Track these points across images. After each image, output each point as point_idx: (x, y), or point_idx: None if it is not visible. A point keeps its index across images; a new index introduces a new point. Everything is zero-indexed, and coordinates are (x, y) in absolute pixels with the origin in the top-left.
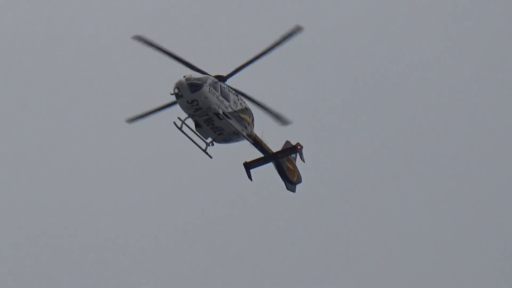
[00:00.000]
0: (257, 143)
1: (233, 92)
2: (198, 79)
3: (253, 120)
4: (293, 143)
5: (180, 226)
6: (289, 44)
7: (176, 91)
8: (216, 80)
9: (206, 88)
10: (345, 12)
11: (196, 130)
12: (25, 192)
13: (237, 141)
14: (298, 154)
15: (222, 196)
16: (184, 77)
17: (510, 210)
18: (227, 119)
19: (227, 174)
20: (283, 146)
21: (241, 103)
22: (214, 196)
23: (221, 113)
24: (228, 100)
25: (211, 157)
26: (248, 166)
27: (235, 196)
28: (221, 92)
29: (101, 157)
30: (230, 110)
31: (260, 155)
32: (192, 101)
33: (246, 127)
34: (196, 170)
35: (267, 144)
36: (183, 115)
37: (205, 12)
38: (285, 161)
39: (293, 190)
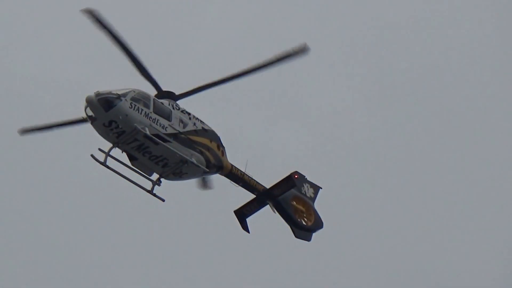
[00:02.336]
0: (237, 178)
1: (182, 110)
2: (112, 93)
3: (219, 146)
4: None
5: None
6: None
7: (88, 113)
8: (148, 94)
9: (124, 103)
10: None
11: (132, 165)
12: None
13: (196, 175)
14: (297, 187)
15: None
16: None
17: None
18: (163, 142)
19: (197, 224)
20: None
21: (195, 123)
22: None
23: (149, 133)
24: (168, 119)
25: (163, 200)
26: (241, 214)
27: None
28: (154, 108)
29: None
30: (171, 131)
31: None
32: (110, 123)
33: (203, 154)
34: (143, 220)
35: (254, 179)
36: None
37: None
38: (288, 200)
39: (307, 239)
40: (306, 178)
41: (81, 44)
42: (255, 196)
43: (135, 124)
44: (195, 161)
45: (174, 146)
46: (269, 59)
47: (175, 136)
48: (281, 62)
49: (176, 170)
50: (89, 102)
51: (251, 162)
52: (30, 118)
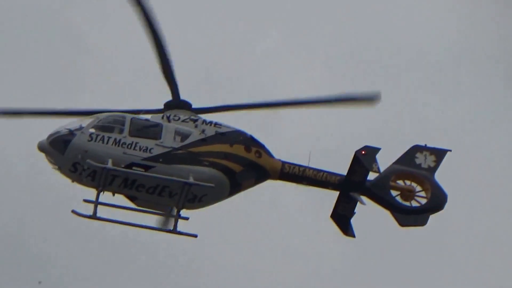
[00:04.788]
0: (296, 177)
1: (185, 119)
2: (64, 129)
3: (249, 147)
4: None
5: None
6: None
7: (50, 163)
8: (122, 115)
9: (80, 138)
10: None
11: (137, 206)
12: None
13: (223, 193)
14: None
15: None
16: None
17: None
18: (140, 171)
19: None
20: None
21: (204, 130)
22: None
23: (111, 166)
24: (155, 137)
25: (195, 236)
26: (341, 217)
27: None
28: (132, 131)
29: None
30: (160, 151)
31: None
32: (74, 166)
33: (216, 165)
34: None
35: (323, 169)
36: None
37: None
38: (387, 182)
39: (421, 223)
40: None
41: None
42: (338, 191)
43: (87, 160)
44: (192, 180)
45: (159, 171)
46: (327, 97)
47: (166, 155)
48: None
49: (189, 196)
50: (43, 150)
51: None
52: None
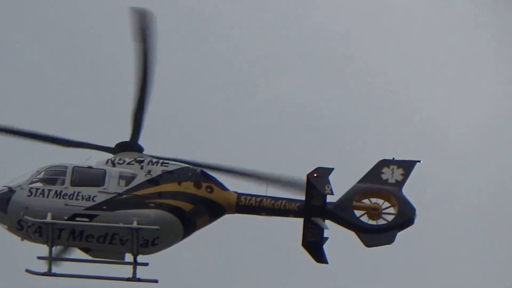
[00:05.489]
0: (253, 208)
1: (130, 161)
2: (3, 186)
3: (199, 182)
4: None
5: None
6: None
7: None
8: (63, 165)
9: (19, 194)
10: None
11: (93, 256)
12: None
13: (176, 235)
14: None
15: None
16: None
17: None
18: (83, 222)
19: None
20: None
21: (150, 171)
22: None
23: (50, 219)
24: (98, 184)
25: (155, 281)
26: (312, 244)
27: None
28: (73, 181)
29: None
30: (103, 198)
31: None
32: (19, 224)
33: (162, 205)
34: None
35: (281, 196)
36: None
37: None
38: (349, 203)
39: (387, 241)
40: (326, 174)
41: None
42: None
43: (26, 217)
44: (135, 225)
45: (103, 219)
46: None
47: (110, 202)
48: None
49: (140, 241)
50: None
51: None
52: None
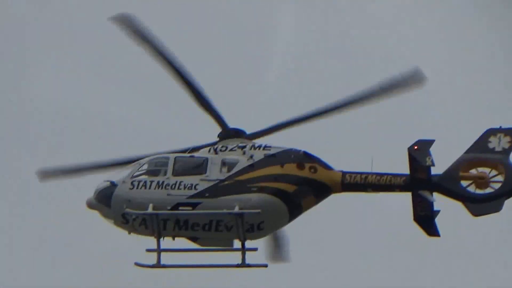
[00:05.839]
0: (359, 186)
1: (233, 148)
2: (104, 181)
3: (302, 164)
4: None
5: None
6: None
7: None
8: (164, 157)
9: (121, 188)
10: None
11: (201, 245)
12: None
13: (282, 219)
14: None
15: None
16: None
17: None
18: (186, 210)
19: None
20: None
21: (252, 156)
22: None
23: (152, 211)
24: (201, 172)
25: (265, 266)
26: (424, 218)
27: None
28: (175, 170)
29: None
30: (206, 185)
31: None
32: (124, 217)
33: (265, 189)
34: None
35: (386, 172)
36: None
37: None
38: (456, 173)
39: (495, 209)
40: (427, 147)
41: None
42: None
43: (126, 210)
44: (236, 210)
45: (205, 206)
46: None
47: (212, 189)
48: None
49: (246, 226)
50: (91, 207)
51: None
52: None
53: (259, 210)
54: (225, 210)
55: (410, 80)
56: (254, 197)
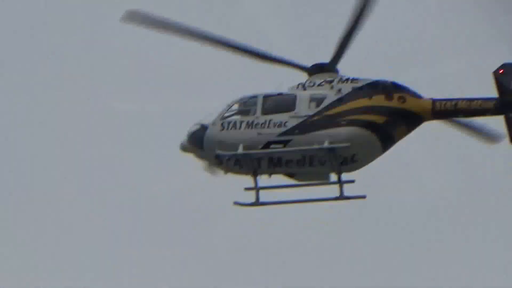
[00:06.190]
0: (450, 113)
1: (320, 83)
2: (195, 124)
3: (390, 95)
4: None
5: None
6: None
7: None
8: (253, 96)
9: (212, 130)
10: None
11: (298, 180)
12: None
13: (375, 149)
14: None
15: None
16: None
17: None
18: (278, 148)
19: None
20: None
21: (340, 89)
22: None
23: (242, 151)
24: (289, 109)
25: (363, 197)
26: None
27: None
28: (265, 109)
29: None
30: (295, 122)
31: None
32: (218, 158)
33: (354, 122)
34: None
35: (475, 97)
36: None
37: None
38: None
39: None
40: None
41: None
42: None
43: (217, 151)
44: (326, 145)
45: (296, 142)
46: None
47: (301, 125)
48: None
49: (339, 160)
50: (185, 150)
51: None
52: None
53: (348, 144)
54: (315, 146)
55: None
56: (343, 131)
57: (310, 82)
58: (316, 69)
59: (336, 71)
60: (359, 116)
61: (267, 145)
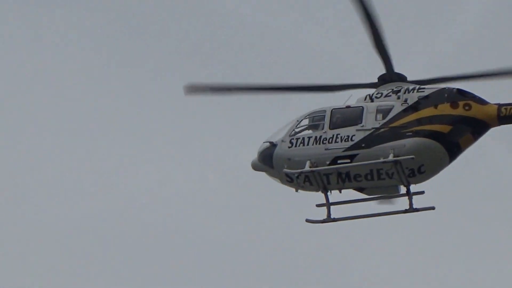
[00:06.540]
0: (509, 118)
1: (387, 93)
2: (265, 142)
3: (456, 103)
4: None
5: None
6: None
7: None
8: (321, 110)
9: (280, 148)
10: None
11: (368, 194)
12: None
13: (442, 159)
14: None
15: None
16: None
17: None
18: (346, 164)
19: None
20: None
21: (406, 100)
22: None
23: (309, 168)
24: (356, 123)
25: (432, 208)
26: None
27: None
28: (332, 123)
29: None
30: (362, 135)
31: None
32: (288, 176)
33: (419, 133)
34: None
35: None
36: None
37: None
38: None
39: None
40: None
41: None
42: None
43: (284, 170)
44: (390, 158)
45: (362, 157)
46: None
47: (367, 139)
48: None
49: (406, 172)
50: (256, 168)
51: None
52: None
53: (413, 156)
54: (380, 159)
55: None
56: (407, 142)
57: (378, 93)
58: (382, 80)
59: (403, 79)
60: (424, 127)
61: (334, 160)
